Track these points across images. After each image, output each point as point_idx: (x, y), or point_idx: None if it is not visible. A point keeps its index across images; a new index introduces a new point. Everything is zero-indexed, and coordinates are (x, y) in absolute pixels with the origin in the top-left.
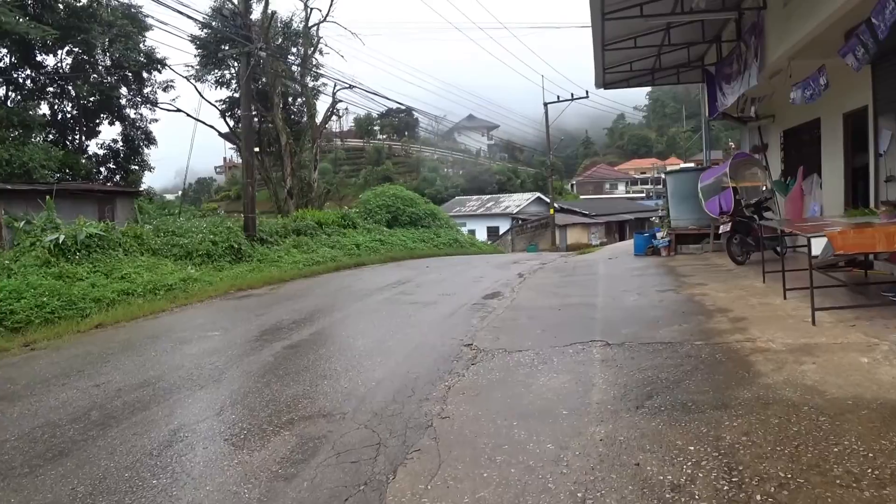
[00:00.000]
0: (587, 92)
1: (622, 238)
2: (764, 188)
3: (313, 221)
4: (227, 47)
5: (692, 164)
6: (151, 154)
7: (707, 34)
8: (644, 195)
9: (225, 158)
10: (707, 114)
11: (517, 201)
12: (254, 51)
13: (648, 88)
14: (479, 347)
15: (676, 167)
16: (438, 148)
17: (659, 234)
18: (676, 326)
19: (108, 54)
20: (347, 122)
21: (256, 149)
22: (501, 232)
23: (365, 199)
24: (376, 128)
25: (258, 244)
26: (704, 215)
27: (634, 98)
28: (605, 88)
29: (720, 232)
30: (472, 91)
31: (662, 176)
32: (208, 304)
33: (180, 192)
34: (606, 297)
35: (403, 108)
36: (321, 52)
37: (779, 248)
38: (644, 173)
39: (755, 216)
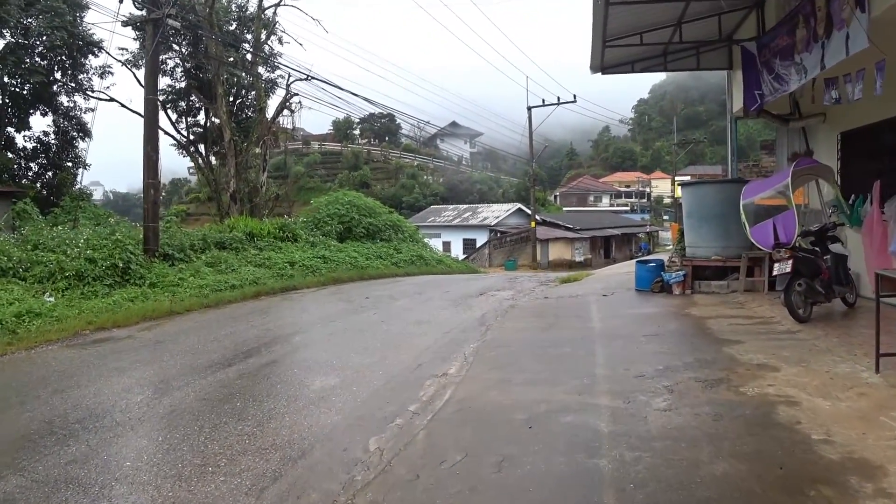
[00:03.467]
0: (574, 96)
1: (607, 254)
2: (831, 211)
3: (242, 233)
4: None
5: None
6: (88, 148)
7: None
8: (628, 208)
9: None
10: (744, 106)
11: (496, 212)
12: (163, 18)
13: (635, 101)
14: None
15: (693, 179)
16: (419, 154)
17: (668, 264)
18: None
19: (43, 38)
20: (321, 122)
21: (201, 146)
22: (479, 245)
23: (314, 206)
24: (356, 132)
25: (160, 261)
26: (731, 242)
27: (620, 109)
28: (603, 73)
29: (776, 273)
30: (457, 95)
31: (647, 190)
32: (33, 354)
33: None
34: (613, 396)
35: (379, 108)
36: (280, 41)
37: (849, 297)
38: (628, 186)
39: (817, 249)
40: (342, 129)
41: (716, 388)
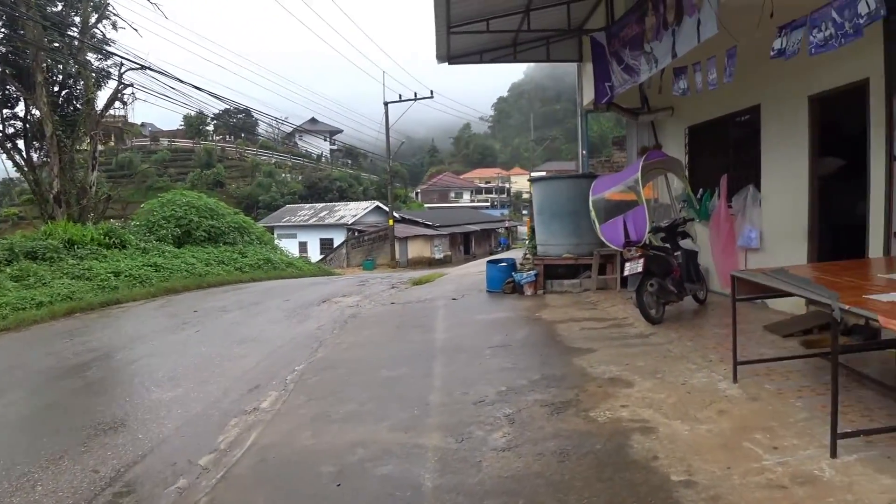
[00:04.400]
0: (431, 92)
1: (467, 250)
2: (681, 206)
3: (60, 240)
4: None
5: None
6: None
7: None
8: (489, 204)
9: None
10: (594, 99)
11: (354, 210)
12: None
13: (495, 98)
14: None
15: (544, 174)
16: (277, 152)
17: (521, 263)
18: None
19: None
20: (172, 117)
21: (20, 142)
22: (336, 245)
23: (147, 208)
24: (209, 128)
25: None
26: (583, 239)
27: (481, 107)
28: (450, 63)
29: (627, 273)
30: (315, 92)
31: (507, 186)
32: None
33: None
34: (446, 432)
35: (228, 104)
36: (114, 26)
37: (700, 294)
38: (489, 182)
39: (668, 246)
40: (194, 125)
41: (564, 413)
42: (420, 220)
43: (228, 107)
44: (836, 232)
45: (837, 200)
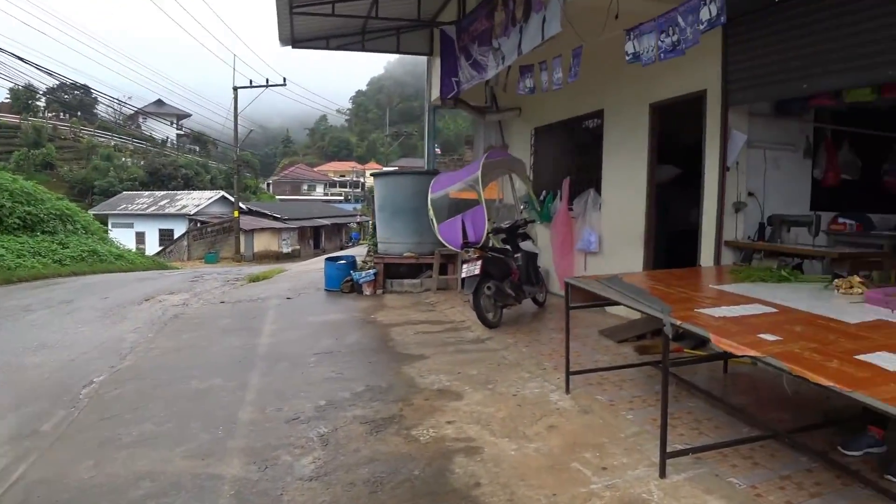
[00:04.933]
0: (284, 79)
1: (317, 244)
2: (522, 206)
3: None
4: None
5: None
6: None
7: None
8: (342, 198)
9: None
10: (440, 94)
11: (197, 200)
12: None
13: (353, 92)
14: None
15: (388, 169)
16: (118, 134)
17: (363, 261)
18: None
19: None
20: None
21: None
22: (177, 236)
23: None
24: (40, 103)
25: None
26: (425, 238)
27: (339, 99)
28: (294, 46)
29: (464, 276)
30: (164, 76)
31: (361, 180)
32: None
33: None
34: (249, 458)
35: (60, 79)
36: None
37: (540, 296)
38: (343, 176)
39: (508, 248)
40: (22, 99)
41: (384, 431)
42: (268, 213)
43: (60, 82)
44: (673, 238)
45: (674, 207)
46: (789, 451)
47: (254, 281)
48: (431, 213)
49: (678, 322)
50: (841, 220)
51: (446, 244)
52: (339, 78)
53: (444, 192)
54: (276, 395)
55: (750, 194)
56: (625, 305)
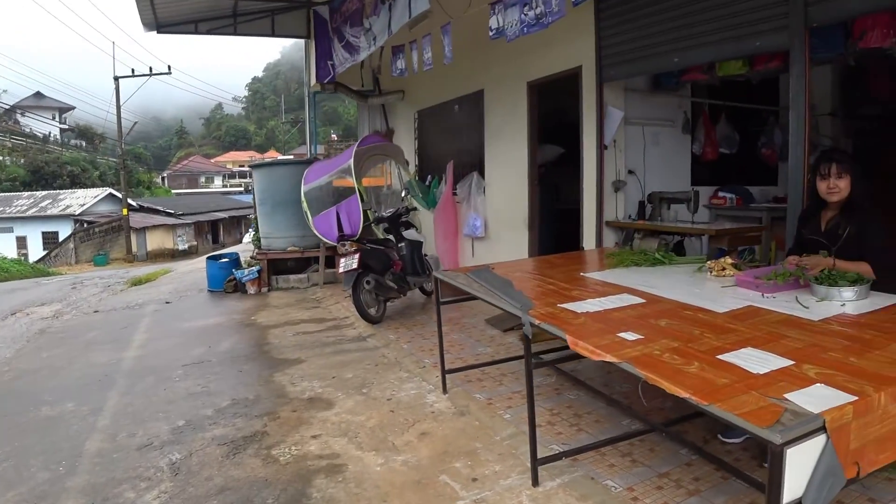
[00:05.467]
0: (169, 67)
1: (215, 239)
2: (403, 192)
3: None
4: None
5: (293, 157)
6: None
7: None
8: (242, 189)
9: None
10: (317, 78)
11: (82, 199)
12: None
13: (249, 78)
14: None
15: (268, 160)
16: None
17: (251, 257)
18: None
19: None
20: None
21: None
22: (62, 238)
23: None
24: None
25: None
26: (309, 230)
27: (234, 87)
28: (160, 32)
29: (342, 271)
30: (40, 71)
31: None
32: None
33: None
34: (88, 498)
35: None
36: None
37: (427, 286)
38: (242, 166)
39: (392, 238)
40: None
41: (243, 453)
42: (161, 209)
43: None
44: (561, 219)
45: (561, 188)
46: (669, 444)
47: (136, 284)
48: (305, 205)
49: (536, 322)
50: (721, 194)
51: (322, 238)
52: (234, 64)
53: (318, 183)
54: (132, 417)
55: (630, 172)
56: (486, 301)
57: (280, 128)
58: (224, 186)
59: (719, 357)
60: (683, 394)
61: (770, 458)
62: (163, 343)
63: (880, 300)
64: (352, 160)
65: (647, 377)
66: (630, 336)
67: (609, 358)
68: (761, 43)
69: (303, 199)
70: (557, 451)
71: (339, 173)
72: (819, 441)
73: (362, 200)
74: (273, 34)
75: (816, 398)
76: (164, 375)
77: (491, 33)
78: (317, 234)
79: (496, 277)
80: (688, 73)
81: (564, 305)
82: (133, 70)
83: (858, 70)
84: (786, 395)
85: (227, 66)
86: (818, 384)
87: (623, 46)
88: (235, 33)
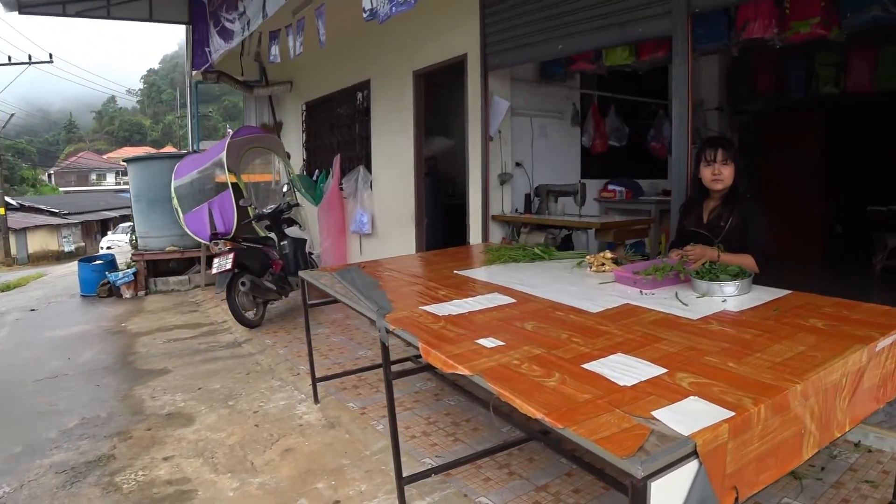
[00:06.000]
0: (51, 55)
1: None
2: (285, 187)
3: None
4: None
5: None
6: None
7: None
8: None
9: None
10: (193, 65)
11: None
12: None
13: (144, 70)
14: None
15: (143, 154)
16: None
17: (123, 262)
18: None
19: None
20: None
21: None
22: None
23: None
24: None
25: None
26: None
27: (128, 80)
28: (21, 12)
29: (215, 271)
30: None
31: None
32: None
33: None
34: None
35: None
36: None
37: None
38: None
39: (273, 236)
40: None
41: (82, 482)
42: (45, 208)
43: None
44: (450, 214)
45: (454, 182)
46: (549, 454)
47: (5, 290)
48: (176, 202)
49: (391, 327)
50: (611, 187)
51: (194, 236)
52: (128, 56)
53: (189, 178)
54: None
55: (517, 165)
56: (345, 304)
57: (178, 122)
58: (117, 184)
59: (585, 366)
60: (537, 414)
61: (630, 495)
62: (17, 356)
63: (762, 294)
64: (224, 153)
65: (499, 393)
66: (490, 343)
67: (461, 370)
68: (644, 29)
69: (173, 194)
70: (430, 466)
71: (212, 167)
72: (690, 469)
73: (242, 196)
74: (150, 19)
75: (688, 415)
76: (9, 394)
77: (365, 15)
78: (188, 231)
79: (362, 277)
80: (575, 63)
81: (426, 308)
82: (10, 57)
83: (744, 65)
84: (654, 413)
85: (120, 57)
86: (692, 397)
87: (508, 34)
88: (108, 17)
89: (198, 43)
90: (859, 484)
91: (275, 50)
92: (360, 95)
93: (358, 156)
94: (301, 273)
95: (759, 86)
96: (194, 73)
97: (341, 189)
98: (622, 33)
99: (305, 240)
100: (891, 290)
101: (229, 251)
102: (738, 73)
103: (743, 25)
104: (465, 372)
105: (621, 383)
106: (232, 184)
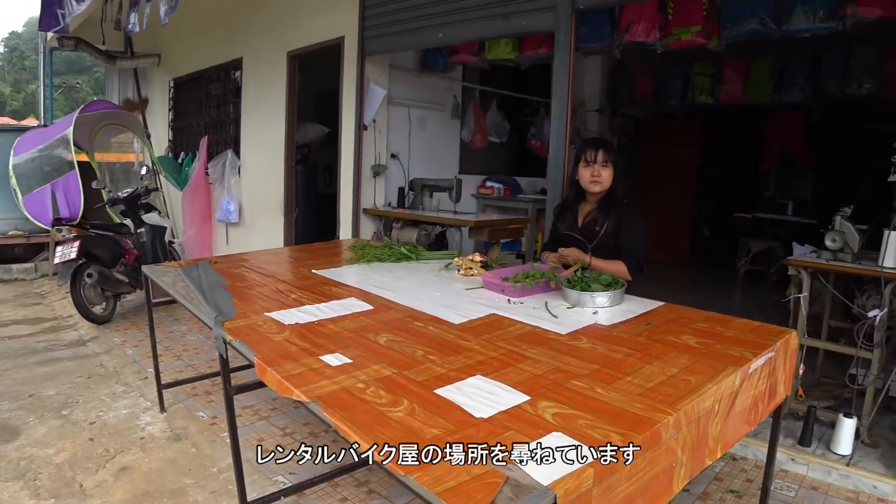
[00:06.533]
0: None
1: None
2: (144, 169)
3: None
4: None
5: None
6: None
7: None
8: None
9: None
10: (40, 25)
11: None
12: None
13: (6, 33)
14: None
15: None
16: None
17: None
18: None
19: None
20: None
21: None
22: None
23: None
24: None
25: None
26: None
27: None
28: None
29: (58, 261)
30: None
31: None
32: None
33: None
34: None
35: None
36: None
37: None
38: None
39: (128, 223)
40: None
41: None
42: None
43: None
44: (324, 205)
45: (325, 171)
46: None
47: None
48: (14, 181)
49: (228, 337)
50: (489, 183)
51: (35, 221)
52: None
53: (31, 155)
54: None
55: (393, 156)
56: (183, 306)
57: (43, 93)
58: None
59: (438, 391)
60: (375, 456)
61: None
62: None
63: (634, 306)
64: (71, 129)
65: (335, 426)
66: (335, 360)
67: (296, 394)
68: (528, 22)
69: (11, 173)
70: (282, 485)
71: (56, 143)
72: None
73: (95, 178)
74: None
75: (549, 457)
76: None
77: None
78: (28, 215)
79: (209, 275)
80: (458, 54)
81: (272, 314)
82: None
83: (627, 69)
84: (511, 454)
85: None
86: (555, 433)
87: (387, 17)
88: None
89: (49, 3)
90: (724, 494)
91: (133, 17)
92: (233, 75)
93: (228, 139)
94: (144, 268)
95: (639, 91)
96: (49, 36)
97: (207, 174)
98: (506, 25)
99: (165, 228)
100: (753, 290)
101: (74, 239)
102: (620, 77)
103: (626, 27)
104: (301, 397)
105: (477, 415)
106: (84, 163)
